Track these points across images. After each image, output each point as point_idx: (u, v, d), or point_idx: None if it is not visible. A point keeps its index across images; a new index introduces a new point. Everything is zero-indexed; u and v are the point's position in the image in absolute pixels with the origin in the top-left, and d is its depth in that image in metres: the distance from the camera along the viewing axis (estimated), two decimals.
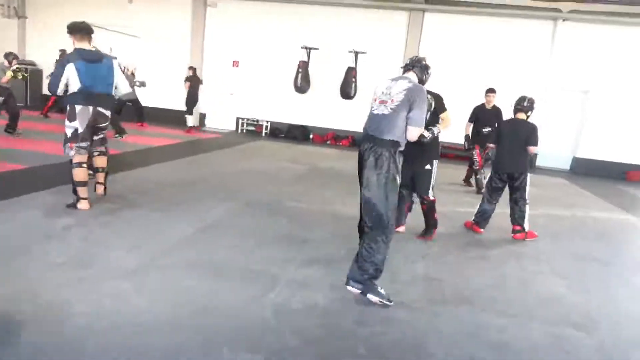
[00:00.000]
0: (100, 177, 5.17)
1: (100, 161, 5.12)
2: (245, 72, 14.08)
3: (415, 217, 5.23)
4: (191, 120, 12.95)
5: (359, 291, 3.34)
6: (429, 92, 3.92)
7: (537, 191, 5.48)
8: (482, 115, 7.88)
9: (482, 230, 5.53)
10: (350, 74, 12.84)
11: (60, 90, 4.67)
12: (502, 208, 5.61)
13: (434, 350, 2.82)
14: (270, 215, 5.42)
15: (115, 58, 5.03)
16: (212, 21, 14.14)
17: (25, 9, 15.30)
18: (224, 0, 13.87)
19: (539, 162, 12.51)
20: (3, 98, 8.78)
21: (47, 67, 13.21)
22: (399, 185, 3.45)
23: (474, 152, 7.84)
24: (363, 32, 13.06)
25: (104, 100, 4.83)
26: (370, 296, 3.32)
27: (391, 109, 3.35)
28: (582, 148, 12.48)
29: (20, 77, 9.05)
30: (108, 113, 4.93)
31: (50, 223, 4.38)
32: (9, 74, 8.66)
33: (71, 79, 4.60)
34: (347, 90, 12.90)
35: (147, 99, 13.01)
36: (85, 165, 4.84)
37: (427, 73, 3.69)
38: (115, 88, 4.98)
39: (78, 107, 4.69)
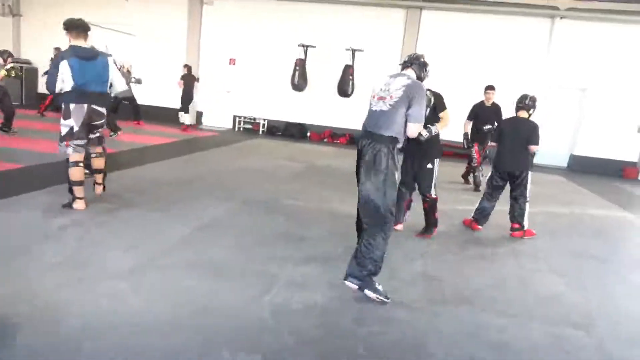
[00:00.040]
0: (99, 177, 5.12)
1: (98, 163, 5.07)
2: (242, 70, 14.03)
3: (415, 216, 5.22)
4: (188, 119, 12.91)
5: (357, 287, 3.34)
6: (429, 90, 3.91)
7: (535, 189, 5.48)
8: (482, 113, 7.83)
9: (480, 227, 5.52)
10: (348, 72, 12.80)
11: (58, 88, 4.62)
12: (501, 205, 5.60)
13: (434, 350, 2.81)
14: (267, 213, 5.40)
15: (111, 55, 4.97)
16: (208, 19, 14.08)
17: (20, 7, 15.20)
18: None
19: (537, 160, 12.37)
20: None
21: (43, 65, 13.12)
22: (399, 183, 3.43)
23: (473, 150, 7.82)
24: (360, 29, 13.02)
25: (98, 98, 4.78)
26: (367, 292, 3.32)
27: (390, 105, 3.35)
28: (579, 145, 12.50)
29: (14, 75, 8.98)
30: (104, 110, 4.88)
31: (47, 223, 4.34)
32: (3, 72, 8.58)
33: (64, 76, 4.55)
34: (344, 88, 12.87)
35: (144, 97, 12.95)
36: (81, 164, 4.79)
37: (426, 70, 3.70)
38: (111, 86, 4.93)
39: (72, 105, 4.64)
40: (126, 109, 11.55)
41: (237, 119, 14.34)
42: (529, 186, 5.36)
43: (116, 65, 5.06)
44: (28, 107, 13.29)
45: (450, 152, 11.38)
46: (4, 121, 8.90)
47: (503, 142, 5.43)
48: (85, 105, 4.68)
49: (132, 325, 2.73)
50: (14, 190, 5.17)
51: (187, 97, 12.78)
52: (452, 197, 7.11)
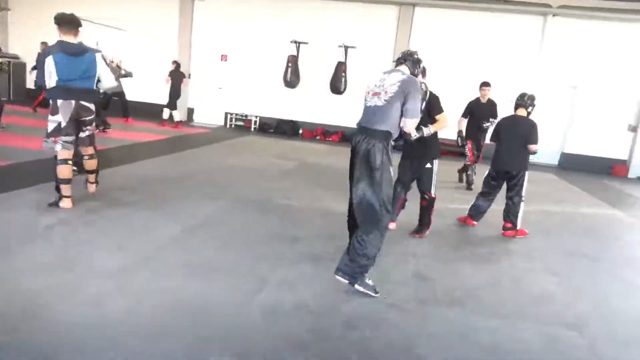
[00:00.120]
0: (92, 177, 5.06)
1: (90, 164, 5.00)
2: (233, 66, 13.93)
3: (408, 215, 5.18)
4: (177, 115, 12.79)
5: (347, 281, 3.37)
6: (423, 83, 3.89)
7: (529, 187, 5.47)
8: (478, 110, 7.77)
9: (475, 223, 5.51)
10: (340, 69, 12.76)
11: (48, 83, 4.54)
12: (496, 204, 5.59)
13: (426, 353, 2.77)
14: (259, 212, 5.34)
15: (100, 51, 4.88)
16: (200, 14, 13.96)
17: (7, 1, 14.96)
18: None
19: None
20: None
21: (31, 60, 12.88)
22: (395, 181, 3.41)
23: (466, 148, 7.79)
24: (353, 26, 12.97)
25: (85, 94, 4.70)
26: (357, 287, 3.36)
27: (385, 100, 3.35)
28: (570, 143, 12.57)
29: (0, 70, 8.83)
30: (92, 106, 4.80)
31: (34, 222, 4.26)
32: None
33: (51, 71, 4.47)
34: (337, 85, 12.83)
35: (134, 93, 12.79)
36: (70, 162, 4.70)
37: (419, 67, 3.69)
38: (99, 81, 4.85)
39: (60, 101, 4.56)
40: (115, 105, 11.40)
41: (229, 116, 14.24)
42: (525, 185, 5.33)
43: (105, 60, 4.97)
44: (16, 102, 13.08)
45: (444, 150, 11.35)
46: None
47: (501, 141, 5.40)
48: (73, 102, 4.60)
49: (120, 326, 2.67)
50: (1, 188, 5.07)
51: (174, 94, 12.66)
52: (444, 196, 7.05)
